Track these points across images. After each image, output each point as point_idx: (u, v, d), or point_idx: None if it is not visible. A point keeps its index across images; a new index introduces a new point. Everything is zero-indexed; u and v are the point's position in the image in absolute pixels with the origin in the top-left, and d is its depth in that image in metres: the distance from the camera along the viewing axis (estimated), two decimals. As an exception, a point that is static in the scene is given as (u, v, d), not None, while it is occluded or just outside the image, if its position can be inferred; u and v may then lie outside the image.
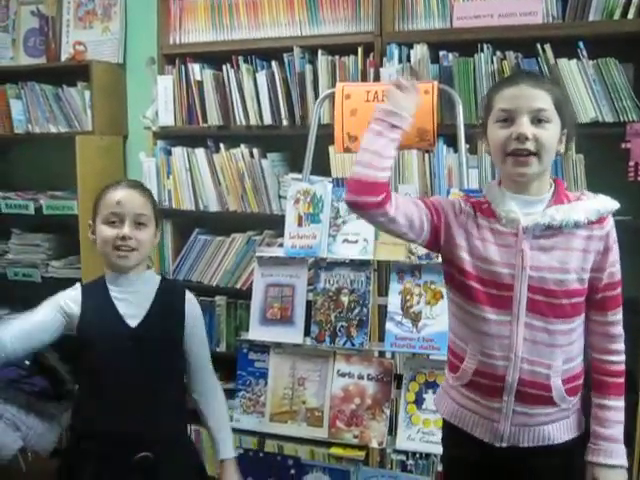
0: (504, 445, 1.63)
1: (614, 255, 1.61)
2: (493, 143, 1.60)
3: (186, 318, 2.02)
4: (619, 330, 1.65)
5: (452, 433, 1.74)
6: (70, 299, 1.95)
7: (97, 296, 1.94)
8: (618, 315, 1.64)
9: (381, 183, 1.56)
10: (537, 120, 1.54)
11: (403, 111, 1.60)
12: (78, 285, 2.01)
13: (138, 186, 2.01)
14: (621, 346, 1.65)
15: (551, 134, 1.56)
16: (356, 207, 1.60)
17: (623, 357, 1.65)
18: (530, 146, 1.53)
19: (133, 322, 1.92)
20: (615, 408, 1.63)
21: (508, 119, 1.56)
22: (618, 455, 1.62)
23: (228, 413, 2.16)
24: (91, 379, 1.94)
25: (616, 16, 2.48)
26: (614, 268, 1.62)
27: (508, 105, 1.56)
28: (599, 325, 1.64)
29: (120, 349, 1.90)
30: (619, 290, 1.64)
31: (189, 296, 2.07)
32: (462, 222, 1.64)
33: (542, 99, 1.55)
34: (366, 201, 1.56)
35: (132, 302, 1.94)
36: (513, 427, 1.62)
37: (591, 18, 2.52)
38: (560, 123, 1.57)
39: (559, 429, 1.64)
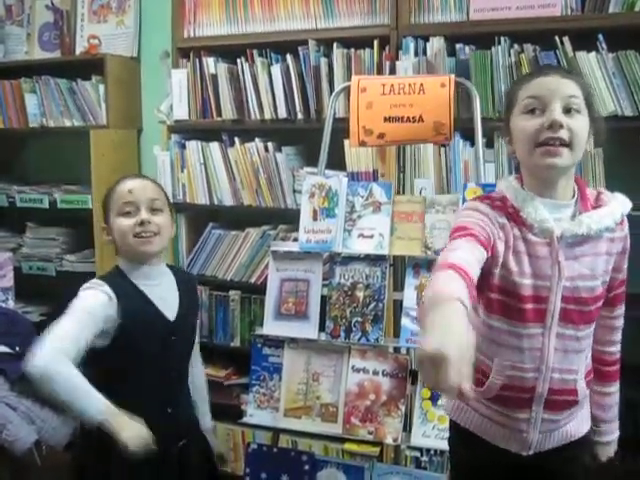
0: (531, 453, 1.60)
1: (627, 254, 1.60)
2: (521, 135, 1.48)
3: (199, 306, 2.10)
4: (621, 322, 1.67)
5: (471, 438, 1.66)
6: (105, 307, 1.82)
7: (128, 293, 1.87)
8: (623, 309, 1.67)
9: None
10: (568, 110, 1.44)
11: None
12: (105, 286, 1.85)
13: (146, 177, 2.04)
14: (619, 336, 1.69)
15: (583, 125, 1.47)
16: None
17: (620, 346, 1.70)
18: (564, 135, 1.43)
19: (170, 315, 1.94)
20: (614, 393, 1.72)
21: (537, 109, 1.46)
22: (613, 432, 1.75)
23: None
24: (132, 378, 1.86)
25: (637, 8, 2.44)
26: (626, 266, 1.60)
27: (538, 92, 1.46)
28: (605, 319, 1.65)
29: (164, 344, 1.91)
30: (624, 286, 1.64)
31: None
32: (502, 240, 1.50)
33: (573, 88, 1.47)
34: None
35: (160, 294, 1.94)
36: (540, 435, 1.59)
37: (611, 10, 2.48)
38: (589, 118, 1.49)
39: (578, 424, 1.64)
